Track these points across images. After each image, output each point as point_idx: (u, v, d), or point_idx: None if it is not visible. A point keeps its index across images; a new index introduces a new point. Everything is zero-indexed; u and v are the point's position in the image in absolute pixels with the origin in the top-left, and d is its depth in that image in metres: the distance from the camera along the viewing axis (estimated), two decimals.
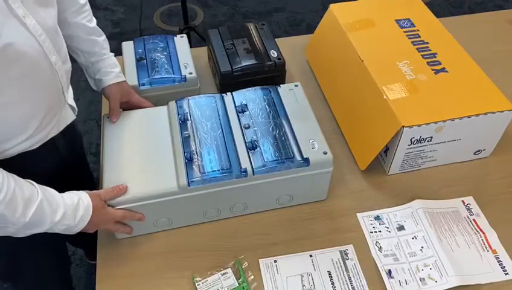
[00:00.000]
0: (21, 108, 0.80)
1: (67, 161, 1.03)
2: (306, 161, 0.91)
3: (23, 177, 0.77)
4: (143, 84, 1.11)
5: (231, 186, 0.90)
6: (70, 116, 0.97)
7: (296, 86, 1.06)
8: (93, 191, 0.86)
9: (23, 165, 0.82)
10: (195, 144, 0.93)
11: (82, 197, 0.83)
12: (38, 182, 0.79)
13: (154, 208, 0.90)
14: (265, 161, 0.90)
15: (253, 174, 0.89)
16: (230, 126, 0.96)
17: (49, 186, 0.86)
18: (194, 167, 0.89)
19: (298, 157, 0.91)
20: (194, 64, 1.18)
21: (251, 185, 0.90)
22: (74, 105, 0.98)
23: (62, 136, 0.95)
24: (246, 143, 0.93)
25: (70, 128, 0.97)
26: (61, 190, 0.83)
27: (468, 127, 0.99)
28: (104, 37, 1.04)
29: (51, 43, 0.81)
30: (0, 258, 1.08)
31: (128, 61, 1.16)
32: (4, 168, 0.75)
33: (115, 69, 1.04)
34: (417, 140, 0.98)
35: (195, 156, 0.91)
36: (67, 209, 0.79)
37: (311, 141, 0.93)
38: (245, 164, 0.90)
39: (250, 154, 0.91)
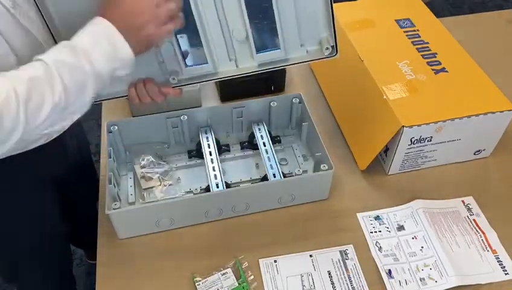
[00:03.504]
0: None
1: (74, 165, 1.02)
2: None
3: (31, 182, 0.73)
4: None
5: None
6: None
7: None
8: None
9: (33, 166, 0.81)
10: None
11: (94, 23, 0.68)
12: (46, 185, 0.76)
13: (156, 208, 0.90)
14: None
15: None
16: None
17: (55, 190, 0.85)
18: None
19: None
20: None
21: None
22: None
23: (70, 138, 0.94)
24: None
25: (78, 133, 0.96)
26: (65, 194, 0.81)
27: (468, 127, 0.99)
28: None
29: (47, 35, 0.77)
30: (2, 259, 1.08)
31: None
32: (12, 169, 0.71)
33: None
34: (417, 140, 0.98)
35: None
36: (88, 48, 0.66)
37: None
38: None
39: None
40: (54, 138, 0.84)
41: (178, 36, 0.81)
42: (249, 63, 0.87)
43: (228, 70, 0.88)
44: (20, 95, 0.61)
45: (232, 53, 0.85)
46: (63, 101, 0.65)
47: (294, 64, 0.88)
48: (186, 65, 0.85)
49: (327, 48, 0.87)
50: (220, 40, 0.83)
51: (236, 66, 0.87)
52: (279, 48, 0.86)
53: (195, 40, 0.82)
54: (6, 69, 0.65)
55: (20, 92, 0.61)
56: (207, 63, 0.86)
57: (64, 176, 0.98)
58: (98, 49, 0.67)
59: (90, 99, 0.69)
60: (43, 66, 0.64)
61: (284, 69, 1.20)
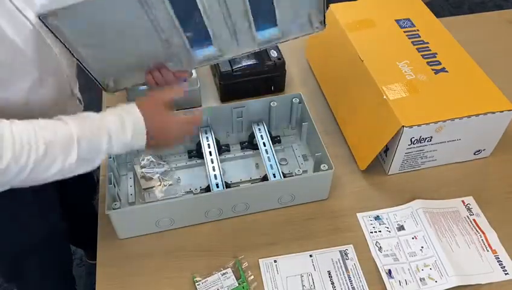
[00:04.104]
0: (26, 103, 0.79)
1: None
2: None
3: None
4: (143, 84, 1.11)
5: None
6: (78, 109, 0.97)
7: None
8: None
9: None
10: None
11: (127, 110, 0.74)
12: (45, 183, 0.78)
13: (156, 208, 0.90)
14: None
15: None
16: None
17: (54, 189, 0.85)
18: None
19: None
20: None
21: None
22: (81, 97, 0.98)
23: None
24: None
25: None
26: (64, 193, 0.82)
27: (468, 127, 0.99)
28: None
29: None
30: (2, 258, 1.08)
31: None
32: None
33: None
34: (417, 140, 0.98)
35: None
36: (112, 134, 0.71)
37: None
38: None
39: None
40: None
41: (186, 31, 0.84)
42: (250, 43, 0.88)
43: (231, 50, 0.88)
44: (36, 152, 0.65)
45: (233, 33, 0.86)
46: (71, 168, 0.70)
47: (287, 40, 0.90)
48: (194, 51, 0.86)
49: (316, 25, 0.89)
50: (222, 21, 0.84)
51: (238, 45, 0.88)
52: (276, 25, 0.87)
53: (199, 24, 0.84)
54: (28, 84, 0.73)
55: (37, 150, 0.65)
56: (212, 45, 0.87)
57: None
58: (121, 137, 0.72)
59: (93, 167, 0.74)
60: (67, 132, 0.68)
61: (284, 69, 1.20)
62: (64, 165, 0.68)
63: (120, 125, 0.72)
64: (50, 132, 0.67)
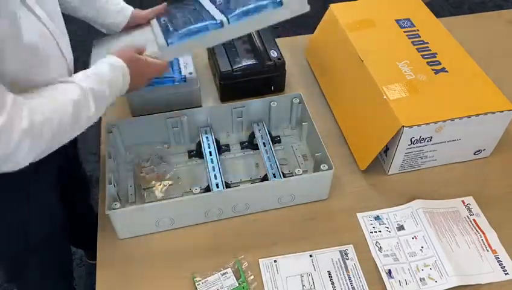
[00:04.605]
0: None
1: (70, 156, 1.04)
2: (279, 1, 0.94)
3: (35, 172, 0.77)
4: None
5: (208, 37, 0.95)
6: None
7: None
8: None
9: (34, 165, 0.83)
10: (170, 17, 1.01)
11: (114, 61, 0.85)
12: (46, 177, 0.85)
13: (156, 208, 0.90)
14: (238, 10, 0.94)
15: (229, 23, 0.93)
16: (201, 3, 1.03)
17: (54, 190, 0.86)
18: (170, 30, 0.97)
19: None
20: (194, 64, 1.18)
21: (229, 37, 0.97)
22: None
23: None
24: (216, 4, 0.99)
25: None
26: (63, 192, 0.82)
27: (468, 127, 0.99)
28: None
29: (58, 30, 0.81)
30: (3, 258, 1.08)
31: None
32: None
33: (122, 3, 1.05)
34: (417, 140, 0.98)
35: (171, 24, 0.98)
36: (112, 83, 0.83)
37: None
38: (219, 17, 0.95)
39: (222, 10, 0.96)
40: None
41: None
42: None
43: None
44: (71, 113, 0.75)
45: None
46: (91, 120, 0.80)
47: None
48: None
49: None
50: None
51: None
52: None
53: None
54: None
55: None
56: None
57: (63, 169, 1.00)
58: (115, 84, 0.83)
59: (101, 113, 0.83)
60: (80, 90, 0.77)
61: (284, 69, 1.20)
62: (88, 115, 0.78)
63: (114, 76, 0.84)
64: (66, 96, 0.75)
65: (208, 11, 0.98)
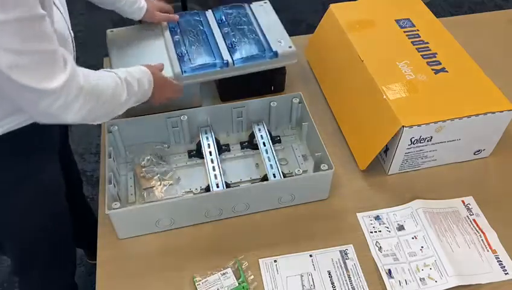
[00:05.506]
0: None
1: (64, 139, 1.12)
2: (275, 53, 1.12)
3: (32, 151, 0.84)
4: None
5: (214, 72, 1.11)
6: None
7: (265, 3, 1.28)
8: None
9: (31, 137, 0.87)
10: (184, 45, 1.15)
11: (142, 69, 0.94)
12: (46, 156, 0.92)
13: (156, 208, 0.90)
14: (242, 55, 1.11)
15: (234, 65, 1.10)
16: (212, 32, 1.18)
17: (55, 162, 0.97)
18: (185, 60, 1.10)
19: (268, 52, 1.12)
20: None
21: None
22: None
23: (59, 127, 0.99)
24: (226, 43, 1.15)
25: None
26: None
27: (468, 127, 0.99)
28: None
29: (66, 15, 0.89)
30: (16, 247, 1.09)
31: None
32: (13, 141, 0.82)
33: None
34: (417, 140, 0.98)
35: (186, 54, 1.12)
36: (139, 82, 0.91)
37: (278, 39, 1.15)
38: (226, 57, 1.11)
39: (229, 50, 1.13)
40: None
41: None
42: None
43: None
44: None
45: None
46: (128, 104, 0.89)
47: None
48: None
49: None
50: None
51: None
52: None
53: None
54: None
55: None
56: None
57: (61, 153, 1.03)
58: (142, 84, 0.92)
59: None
60: (118, 77, 0.86)
61: (284, 69, 1.20)
62: (121, 101, 0.86)
63: (142, 76, 0.92)
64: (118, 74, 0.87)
65: (217, 45, 1.15)
